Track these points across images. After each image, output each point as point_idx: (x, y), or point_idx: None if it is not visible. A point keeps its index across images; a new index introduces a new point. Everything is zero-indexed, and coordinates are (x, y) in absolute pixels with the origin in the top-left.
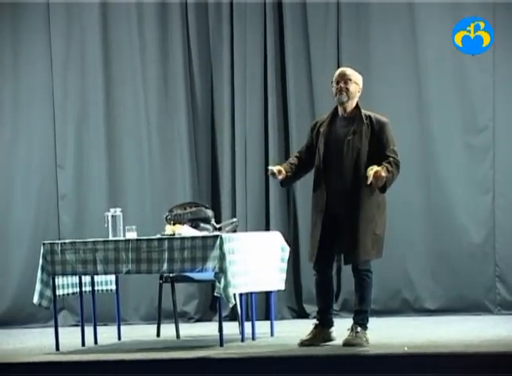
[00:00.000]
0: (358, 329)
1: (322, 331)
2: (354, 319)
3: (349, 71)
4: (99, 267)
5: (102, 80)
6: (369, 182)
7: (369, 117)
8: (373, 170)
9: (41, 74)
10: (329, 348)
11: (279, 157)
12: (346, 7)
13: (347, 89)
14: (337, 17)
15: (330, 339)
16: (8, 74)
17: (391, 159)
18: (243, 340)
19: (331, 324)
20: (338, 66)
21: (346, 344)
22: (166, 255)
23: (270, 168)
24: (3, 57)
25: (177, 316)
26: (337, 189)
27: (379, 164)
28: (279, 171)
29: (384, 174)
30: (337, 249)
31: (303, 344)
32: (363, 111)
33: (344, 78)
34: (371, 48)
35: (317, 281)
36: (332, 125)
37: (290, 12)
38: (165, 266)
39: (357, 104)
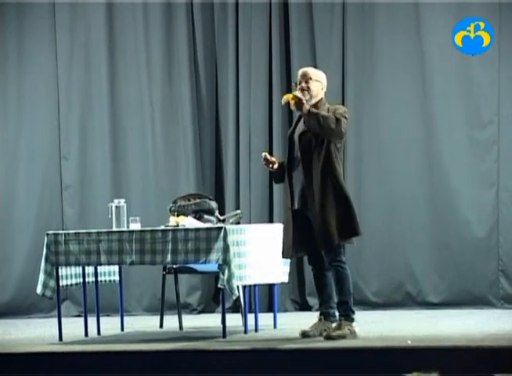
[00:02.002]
0: (342, 321)
1: (323, 324)
2: (338, 312)
3: (310, 70)
4: (103, 258)
5: (106, 72)
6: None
7: (329, 109)
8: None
9: (46, 66)
10: (335, 341)
11: (282, 150)
12: (351, 7)
13: (309, 88)
14: (343, 17)
15: (356, 335)
16: (12, 66)
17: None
18: (246, 332)
19: (333, 318)
20: (343, 66)
21: (326, 337)
22: (170, 246)
23: (264, 153)
24: (8, 50)
25: (180, 308)
26: (298, 185)
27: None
28: (273, 161)
29: (299, 101)
30: (312, 242)
31: (303, 334)
32: (328, 106)
33: (305, 78)
34: (376, 48)
35: (313, 275)
36: (297, 125)
37: (296, 12)
38: (169, 257)
39: (322, 101)
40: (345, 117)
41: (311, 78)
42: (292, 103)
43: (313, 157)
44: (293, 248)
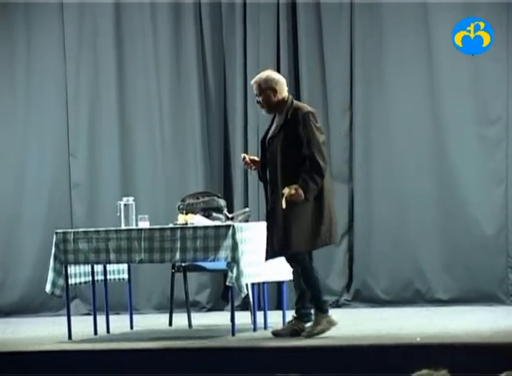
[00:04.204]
0: (318, 314)
1: (295, 324)
2: (313, 306)
3: (255, 82)
4: (112, 256)
5: (114, 71)
6: (284, 207)
7: (293, 111)
8: (285, 193)
9: (54, 64)
10: (344, 339)
11: None
12: (359, 7)
13: (260, 102)
14: (351, 17)
15: (334, 322)
16: (21, 65)
17: (307, 166)
18: (255, 329)
19: (306, 319)
20: (352, 66)
21: (307, 336)
22: (178, 245)
23: (243, 154)
24: (17, 50)
25: (189, 306)
26: (271, 188)
27: (298, 164)
28: (253, 161)
29: (295, 196)
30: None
31: (273, 333)
32: (294, 104)
33: (255, 92)
34: (384, 47)
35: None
36: (270, 128)
37: (304, 12)
38: (178, 255)
39: (285, 99)
40: (316, 129)
41: (259, 91)
42: (288, 199)
43: (279, 162)
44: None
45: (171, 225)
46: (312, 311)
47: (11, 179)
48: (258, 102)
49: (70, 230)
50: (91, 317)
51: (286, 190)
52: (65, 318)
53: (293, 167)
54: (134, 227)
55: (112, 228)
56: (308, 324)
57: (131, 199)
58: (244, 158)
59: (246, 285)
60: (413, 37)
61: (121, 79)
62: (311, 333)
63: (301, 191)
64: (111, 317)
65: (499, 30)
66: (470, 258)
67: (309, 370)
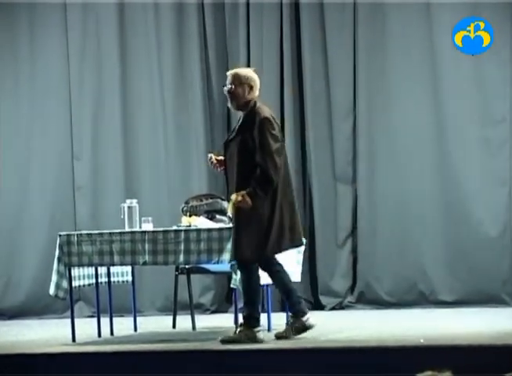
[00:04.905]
0: (242, 325)
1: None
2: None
3: (231, 74)
4: (116, 258)
5: (118, 72)
6: (229, 214)
7: (252, 115)
8: (232, 199)
9: (58, 66)
10: (348, 341)
11: (294, 148)
12: (362, 7)
13: (229, 93)
14: (354, 17)
15: (255, 339)
16: (25, 66)
17: (257, 173)
18: None
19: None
20: (355, 66)
21: (221, 340)
22: (182, 247)
23: (210, 154)
24: (20, 50)
25: (193, 308)
26: (229, 193)
27: (253, 169)
28: (220, 161)
29: (242, 203)
30: None
31: (223, 340)
32: (257, 107)
33: (226, 83)
34: (387, 47)
35: None
36: (233, 131)
37: (307, 12)
38: (181, 258)
39: (251, 102)
40: (271, 136)
41: (232, 83)
42: (235, 205)
43: (235, 166)
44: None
45: (174, 228)
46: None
47: (15, 181)
48: (230, 92)
49: (73, 232)
50: (95, 319)
51: (233, 196)
52: (69, 320)
53: (248, 172)
54: (137, 229)
55: (116, 230)
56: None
57: (134, 201)
58: (211, 158)
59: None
60: (417, 38)
61: (124, 81)
62: (224, 341)
63: (248, 198)
64: (115, 319)
65: (503, 31)
66: (474, 259)
67: (313, 372)
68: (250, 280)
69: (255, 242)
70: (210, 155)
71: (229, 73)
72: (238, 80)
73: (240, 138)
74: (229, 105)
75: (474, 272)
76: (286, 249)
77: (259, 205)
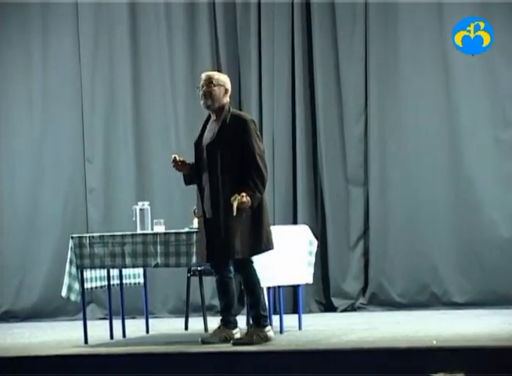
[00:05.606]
0: (252, 328)
1: (223, 331)
2: (250, 316)
3: (212, 75)
4: (128, 260)
5: (130, 74)
6: (235, 214)
7: (233, 117)
8: (236, 200)
9: (70, 68)
10: (360, 342)
11: (306, 151)
12: (374, 7)
13: (210, 93)
14: (365, 17)
15: (267, 338)
16: (37, 68)
17: (252, 174)
18: None
19: (234, 325)
20: (366, 66)
21: (234, 344)
22: (194, 249)
23: (174, 155)
24: (32, 51)
25: (205, 310)
26: (207, 195)
27: (239, 171)
28: (183, 163)
29: (245, 204)
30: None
31: (202, 341)
32: (232, 111)
33: (206, 82)
34: (399, 48)
35: (216, 280)
36: (203, 131)
37: (318, 12)
38: (193, 260)
39: (226, 106)
40: (258, 138)
41: (212, 83)
42: (236, 206)
43: (220, 169)
44: (206, 255)
45: (186, 230)
46: (237, 320)
47: (28, 184)
48: (207, 92)
49: (85, 235)
50: (108, 321)
51: (235, 198)
52: (81, 322)
53: (235, 174)
54: (149, 231)
55: (127, 232)
56: (236, 330)
57: (146, 203)
58: (175, 159)
59: (262, 289)
60: (429, 39)
61: (136, 83)
62: (237, 342)
63: (249, 199)
64: (127, 321)
65: None
66: (487, 260)
67: (324, 373)
68: (250, 280)
69: (250, 238)
70: (174, 156)
71: (207, 74)
72: (217, 81)
73: (224, 142)
74: (206, 104)
75: (486, 273)
76: (266, 250)
77: (254, 205)
